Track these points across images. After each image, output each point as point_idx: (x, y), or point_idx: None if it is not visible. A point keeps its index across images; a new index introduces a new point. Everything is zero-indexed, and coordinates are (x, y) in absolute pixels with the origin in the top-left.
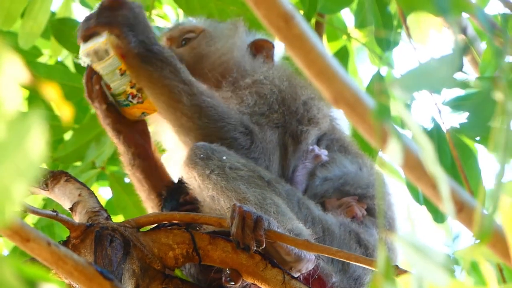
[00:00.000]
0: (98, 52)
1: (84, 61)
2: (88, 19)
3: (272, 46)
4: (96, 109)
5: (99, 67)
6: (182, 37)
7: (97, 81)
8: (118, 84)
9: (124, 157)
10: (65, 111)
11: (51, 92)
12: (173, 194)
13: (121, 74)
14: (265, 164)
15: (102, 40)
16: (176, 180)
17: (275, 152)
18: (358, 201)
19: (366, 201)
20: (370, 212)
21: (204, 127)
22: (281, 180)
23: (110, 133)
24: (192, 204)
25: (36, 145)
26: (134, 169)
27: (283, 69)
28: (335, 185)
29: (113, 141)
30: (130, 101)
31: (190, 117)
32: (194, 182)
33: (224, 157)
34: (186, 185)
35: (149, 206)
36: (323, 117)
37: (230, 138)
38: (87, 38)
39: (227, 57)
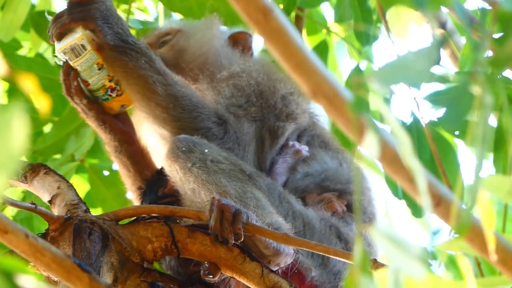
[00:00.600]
0: (75, 49)
1: (60, 59)
2: (58, 16)
3: (249, 36)
4: (76, 105)
5: (76, 64)
6: (159, 40)
7: (74, 78)
8: (97, 79)
9: (110, 146)
10: (42, 103)
11: (29, 83)
12: (152, 187)
13: (99, 69)
14: (240, 155)
15: (77, 36)
16: (155, 173)
17: (250, 144)
18: (338, 197)
19: (346, 197)
20: (351, 208)
21: (178, 118)
22: (262, 174)
23: (94, 125)
24: (171, 196)
25: (17, 137)
26: (121, 155)
27: (262, 62)
28: (316, 181)
29: (98, 132)
30: (109, 95)
31: (165, 107)
32: (176, 175)
33: (206, 150)
34: (165, 177)
35: (134, 191)
36: (302, 113)
37: (204, 128)
38: (61, 36)
39: (205, 50)
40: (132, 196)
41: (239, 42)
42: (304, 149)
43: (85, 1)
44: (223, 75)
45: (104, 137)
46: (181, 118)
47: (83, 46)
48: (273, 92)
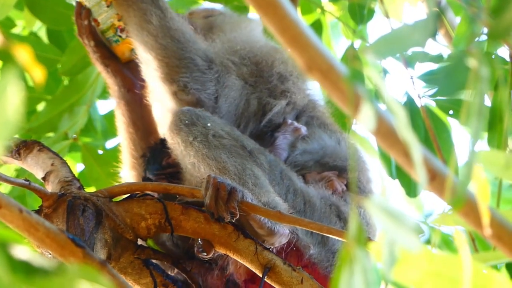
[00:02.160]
0: None
1: None
2: None
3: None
4: (85, 46)
5: (85, 0)
6: (203, 15)
7: (85, 16)
8: (105, 17)
9: (112, 89)
10: (37, 73)
11: (24, 54)
12: (156, 157)
13: (107, 6)
14: (215, 91)
15: None
16: (159, 141)
17: (234, 91)
18: (338, 176)
19: (346, 176)
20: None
21: (164, 46)
22: (264, 150)
23: (98, 68)
24: (175, 167)
25: (13, 103)
26: (120, 99)
27: (266, 41)
28: (315, 158)
29: (102, 74)
30: (119, 36)
31: (155, 35)
32: (178, 148)
33: (209, 124)
34: (168, 146)
35: (126, 139)
36: (298, 92)
37: (188, 59)
38: None
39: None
40: (123, 139)
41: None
42: (303, 128)
43: None
44: (221, 36)
45: (107, 80)
46: (168, 47)
47: None
48: (270, 66)
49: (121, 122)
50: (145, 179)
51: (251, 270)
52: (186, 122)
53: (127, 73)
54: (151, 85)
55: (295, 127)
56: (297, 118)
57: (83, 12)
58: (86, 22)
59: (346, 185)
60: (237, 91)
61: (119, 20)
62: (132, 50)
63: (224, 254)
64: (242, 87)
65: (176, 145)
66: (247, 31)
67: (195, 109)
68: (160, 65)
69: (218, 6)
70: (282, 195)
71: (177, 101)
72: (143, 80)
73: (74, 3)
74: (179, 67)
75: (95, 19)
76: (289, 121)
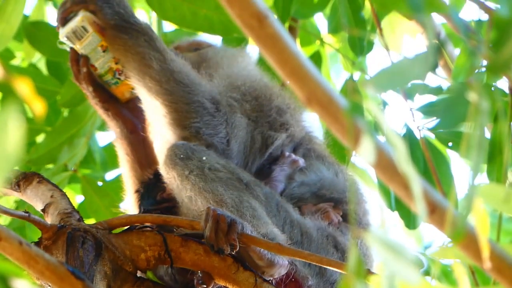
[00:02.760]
0: (76, 31)
1: (65, 44)
2: (64, 3)
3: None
4: (84, 91)
5: (80, 47)
6: (191, 47)
7: (84, 63)
8: (103, 61)
9: (114, 131)
10: (37, 106)
11: (24, 87)
12: (150, 191)
13: (104, 51)
14: (226, 134)
15: (78, 19)
16: (153, 176)
17: (242, 130)
18: (334, 207)
19: (342, 207)
20: (346, 218)
21: (171, 92)
22: (260, 183)
23: (99, 111)
24: (170, 201)
25: (13, 139)
26: (123, 140)
27: (262, 75)
28: (312, 190)
29: (103, 118)
30: (118, 78)
31: (158, 80)
32: (173, 182)
33: (204, 158)
34: (162, 180)
35: (131, 177)
36: (296, 125)
37: (196, 102)
38: (65, 21)
39: (227, 66)
40: (128, 179)
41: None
42: (301, 160)
43: None
44: (220, 72)
45: (109, 124)
46: (174, 91)
47: (84, 28)
48: (269, 100)
49: (125, 160)
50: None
51: None
52: (181, 156)
53: (127, 114)
54: (153, 123)
55: (293, 159)
56: (294, 150)
57: (80, 59)
58: (85, 69)
59: (342, 217)
60: (244, 129)
61: (116, 63)
62: (132, 90)
63: (224, 286)
64: (247, 124)
65: (171, 179)
66: (244, 65)
67: (189, 143)
68: (168, 111)
69: (209, 38)
70: (279, 226)
71: None
72: (144, 119)
73: (68, 49)
74: (188, 112)
75: (92, 64)
76: (287, 153)
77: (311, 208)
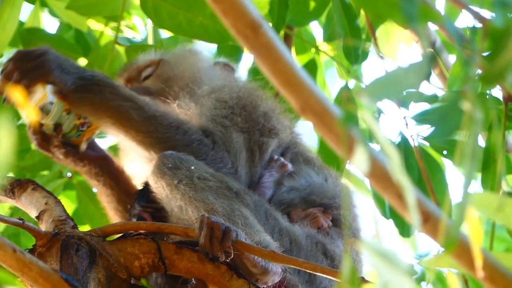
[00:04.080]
0: (44, 108)
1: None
2: (18, 81)
3: (232, 69)
4: (50, 155)
5: (48, 120)
6: (141, 74)
7: (56, 137)
8: (68, 123)
9: (90, 174)
10: (30, 114)
11: (16, 94)
12: (144, 192)
13: (68, 113)
14: (232, 163)
15: (41, 96)
16: (143, 185)
17: (242, 151)
18: (323, 212)
19: (331, 212)
20: (336, 223)
21: (165, 139)
22: (249, 191)
23: (75, 168)
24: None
25: (4, 146)
26: (104, 177)
27: (242, 80)
28: (301, 195)
29: (77, 170)
30: (81, 130)
31: (146, 131)
32: (162, 191)
33: (192, 167)
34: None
35: (121, 211)
36: (283, 129)
37: (195, 141)
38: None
39: (190, 74)
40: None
41: (223, 67)
42: (289, 164)
43: (30, 57)
44: (205, 90)
45: (83, 171)
46: (168, 137)
47: (51, 102)
48: (255, 107)
49: (108, 193)
50: (132, 213)
51: None
52: (170, 165)
53: (96, 154)
54: (124, 145)
55: (282, 163)
56: (282, 154)
57: (54, 132)
58: (57, 142)
59: (332, 221)
60: (243, 148)
61: (79, 119)
62: (92, 134)
63: None
64: (243, 140)
65: (160, 188)
66: (222, 75)
67: (177, 153)
68: None
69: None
70: (268, 235)
71: None
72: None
73: (25, 121)
74: (192, 152)
75: (58, 127)
76: (276, 157)
77: (300, 213)
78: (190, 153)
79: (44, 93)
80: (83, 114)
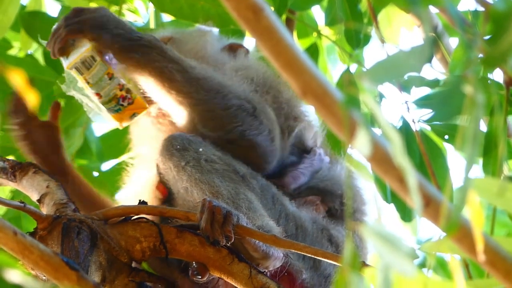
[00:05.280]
0: (85, 62)
1: (70, 74)
2: (56, 31)
3: (246, 50)
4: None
5: (88, 77)
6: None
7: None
8: (108, 89)
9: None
10: (30, 97)
11: (18, 79)
12: None
13: (110, 79)
14: (269, 131)
15: (85, 48)
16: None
17: (276, 124)
18: (321, 201)
19: (332, 199)
20: (336, 212)
21: (205, 101)
22: (256, 175)
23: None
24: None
25: None
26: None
27: (263, 63)
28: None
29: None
30: (121, 105)
31: (186, 92)
32: (170, 173)
33: (201, 149)
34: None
35: None
36: (302, 116)
37: (235, 106)
38: (63, 50)
39: (202, 55)
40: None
41: (237, 51)
42: (327, 158)
43: (78, 13)
44: (228, 67)
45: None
46: (208, 100)
47: (93, 57)
48: (279, 91)
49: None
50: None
51: None
52: (178, 147)
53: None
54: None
55: (321, 157)
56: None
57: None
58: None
59: (335, 209)
60: (276, 122)
61: (120, 90)
62: (133, 114)
63: (219, 278)
64: (275, 116)
65: (168, 170)
66: (239, 56)
67: (186, 134)
68: (207, 119)
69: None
70: (274, 219)
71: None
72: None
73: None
74: (228, 117)
75: (97, 93)
76: (317, 150)
77: (300, 200)
78: (227, 117)
79: (89, 46)
80: (129, 76)
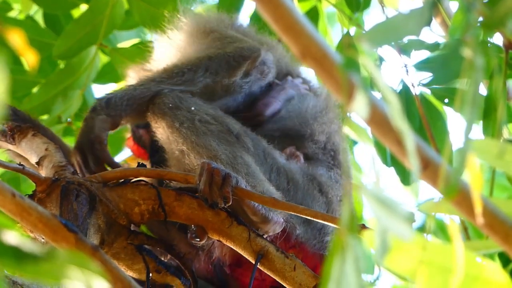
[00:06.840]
0: None
1: None
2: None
3: None
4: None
5: None
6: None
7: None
8: None
9: None
10: (29, 57)
11: (17, 38)
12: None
13: None
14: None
15: None
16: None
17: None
18: (296, 149)
19: (304, 144)
20: (311, 155)
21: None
22: (248, 130)
23: None
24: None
25: None
26: None
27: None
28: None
29: None
30: None
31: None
32: (163, 132)
33: (193, 107)
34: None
35: None
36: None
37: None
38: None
39: None
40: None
41: None
42: (302, 86)
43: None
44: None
45: None
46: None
47: None
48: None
49: None
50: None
51: (237, 255)
52: (170, 105)
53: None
54: None
55: (296, 84)
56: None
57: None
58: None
59: (305, 156)
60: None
61: None
62: None
63: (217, 241)
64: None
65: (160, 129)
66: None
67: (177, 92)
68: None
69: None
70: (266, 174)
71: None
72: None
73: None
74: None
75: None
76: (290, 78)
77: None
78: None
79: None
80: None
